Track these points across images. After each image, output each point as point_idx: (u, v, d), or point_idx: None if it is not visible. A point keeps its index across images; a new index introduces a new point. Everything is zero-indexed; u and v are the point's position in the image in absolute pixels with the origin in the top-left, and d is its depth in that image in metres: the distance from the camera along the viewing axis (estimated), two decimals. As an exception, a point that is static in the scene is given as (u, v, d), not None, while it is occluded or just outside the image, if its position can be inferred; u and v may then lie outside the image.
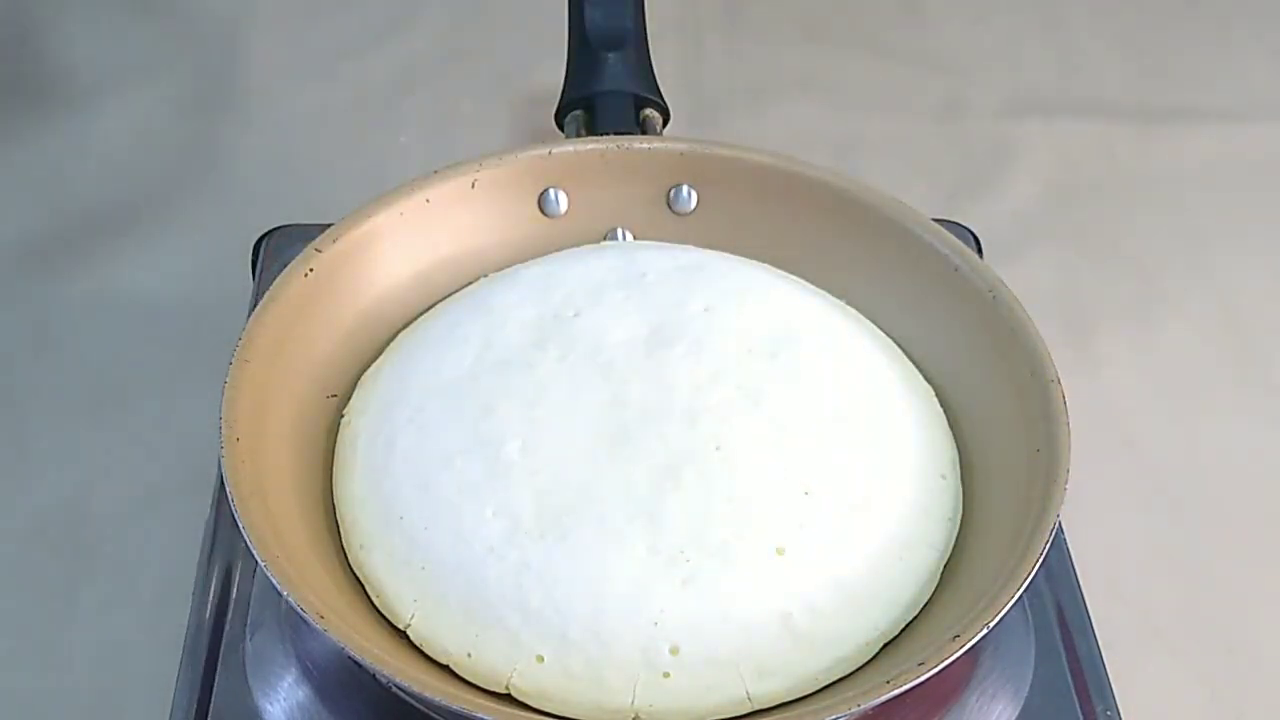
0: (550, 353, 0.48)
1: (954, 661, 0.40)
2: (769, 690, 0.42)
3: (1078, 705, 0.47)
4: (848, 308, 0.52)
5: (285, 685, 0.48)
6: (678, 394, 0.46)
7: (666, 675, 0.42)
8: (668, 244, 0.54)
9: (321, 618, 0.40)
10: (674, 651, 0.42)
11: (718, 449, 0.45)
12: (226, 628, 0.50)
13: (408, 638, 0.44)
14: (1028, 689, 0.47)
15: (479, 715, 0.39)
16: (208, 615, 0.50)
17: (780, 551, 0.43)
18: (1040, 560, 0.42)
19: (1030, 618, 0.49)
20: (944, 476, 0.47)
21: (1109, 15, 0.83)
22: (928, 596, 0.44)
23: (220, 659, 0.49)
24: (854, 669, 0.43)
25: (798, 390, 0.47)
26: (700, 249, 0.53)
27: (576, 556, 0.43)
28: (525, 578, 0.43)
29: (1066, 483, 0.44)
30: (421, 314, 0.53)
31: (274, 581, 0.41)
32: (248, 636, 0.49)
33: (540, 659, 0.42)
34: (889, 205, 0.53)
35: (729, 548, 0.43)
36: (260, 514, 0.43)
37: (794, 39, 0.82)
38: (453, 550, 0.44)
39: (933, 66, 0.80)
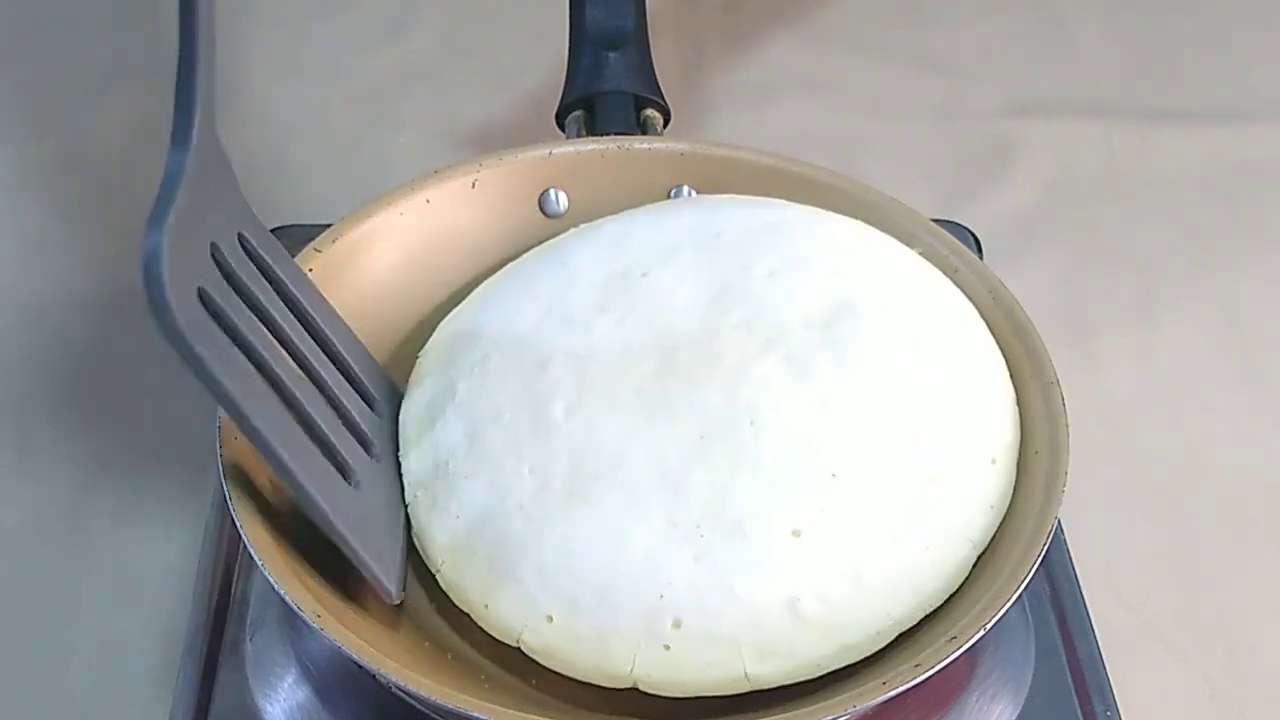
0: (610, 314, 0.48)
1: (950, 663, 0.40)
2: (768, 671, 0.42)
3: (1078, 705, 0.47)
4: (938, 273, 0.50)
5: (285, 685, 0.48)
6: (724, 363, 0.46)
7: (667, 647, 0.42)
8: (753, 199, 0.52)
9: (318, 617, 0.40)
10: (676, 625, 0.42)
11: (752, 423, 0.44)
12: (226, 628, 0.50)
13: (410, 630, 0.45)
14: (1028, 689, 0.47)
15: (474, 714, 0.39)
16: (208, 615, 0.51)
17: (796, 534, 0.43)
18: (1039, 561, 0.42)
19: (1030, 618, 0.49)
20: (994, 461, 0.45)
21: (1109, 15, 0.83)
22: (954, 588, 0.44)
23: (220, 659, 0.49)
24: (862, 657, 0.42)
25: (846, 364, 0.45)
26: (787, 203, 0.52)
27: (596, 522, 0.43)
28: (546, 537, 0.43)
29: (1065, 484, 0.44)
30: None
31: (271, 580, 0.41)
32: (248, 636, 0.49)
33: (550, 619, 0.43)
34: (889, 206, 0.53)
35: (744, 526, 0.43)
36: (256, 512, 0.43)
37: (794, 39, 0.82)
38: (486, 503, 0.44)
39: (933, 66, 0.80)
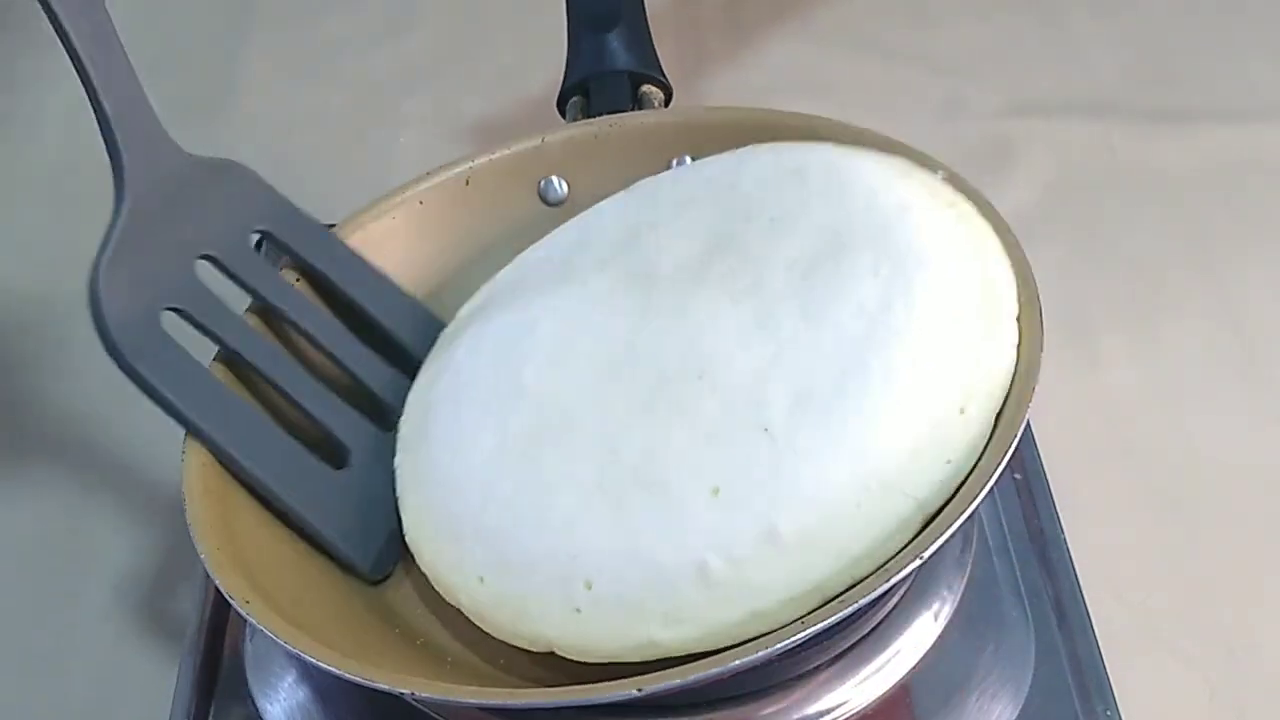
0: (608, 271, 0.47)
1: (834, 624, 0.38)
2: (675, 638, 0.40)
3: (1078, 705, 0.47)
4: (971, 218, 0.46)
5: (285, 685, 0.48)
6: (693, 317, 0.44)
7: (578, 610, 0.41)
8: (792, 145, 0.49)
9: (247, 603, 0.40)
10: (588, 586, 0.41)
11: (700, 377, 0.42)
12: (226, 628, 0.50)
13: (376, 617, 0.46)
14: (1028, 689, 0.47)
15: (382, 686, 0.39)
16: (207, 615, 0.51)
17: (715, 492, 0.40)
18: (987, 489, 0.39)
19: (1030, 618, 0.49)
20: (963, 411, 0.41)
21: (1109, 15, 0.83)
22: (892, 551, 0.39)
23: (220, 659, 0.49)
24: (778, 626, 0.39)
25: (812, 312, 0.43)
26: (823, 145, 0.49)
27: (530, 483, 0.43)
28: (489, 499, 0.43)
29: (1030, 403, 0.41)
30: None
31: (205, 564, 0.41)
32: (248, 637, 0.49)
33: (481, 580, 0.42)
34: (888, 147, 0.51)
35: (666, 485, 0.41)
36: (209, 508, 0.44)
37: (794, 39, 0.82)
38: (448, 465, 0.45)
39: (933, 66, 0.80)
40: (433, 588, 0.47)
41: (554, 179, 0.55)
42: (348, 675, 0.39)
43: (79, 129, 0.76)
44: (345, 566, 0.46)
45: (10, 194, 0.75)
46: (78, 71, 0.44)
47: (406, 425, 0.48)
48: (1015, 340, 0.43)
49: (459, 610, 0.44)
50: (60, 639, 0.55)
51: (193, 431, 0.45)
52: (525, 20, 0.82)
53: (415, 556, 0.45)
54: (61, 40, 0.44)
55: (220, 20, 0.85)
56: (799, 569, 0.39)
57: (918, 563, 0.38)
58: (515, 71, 0.79)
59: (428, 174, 0.54)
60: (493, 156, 0.55)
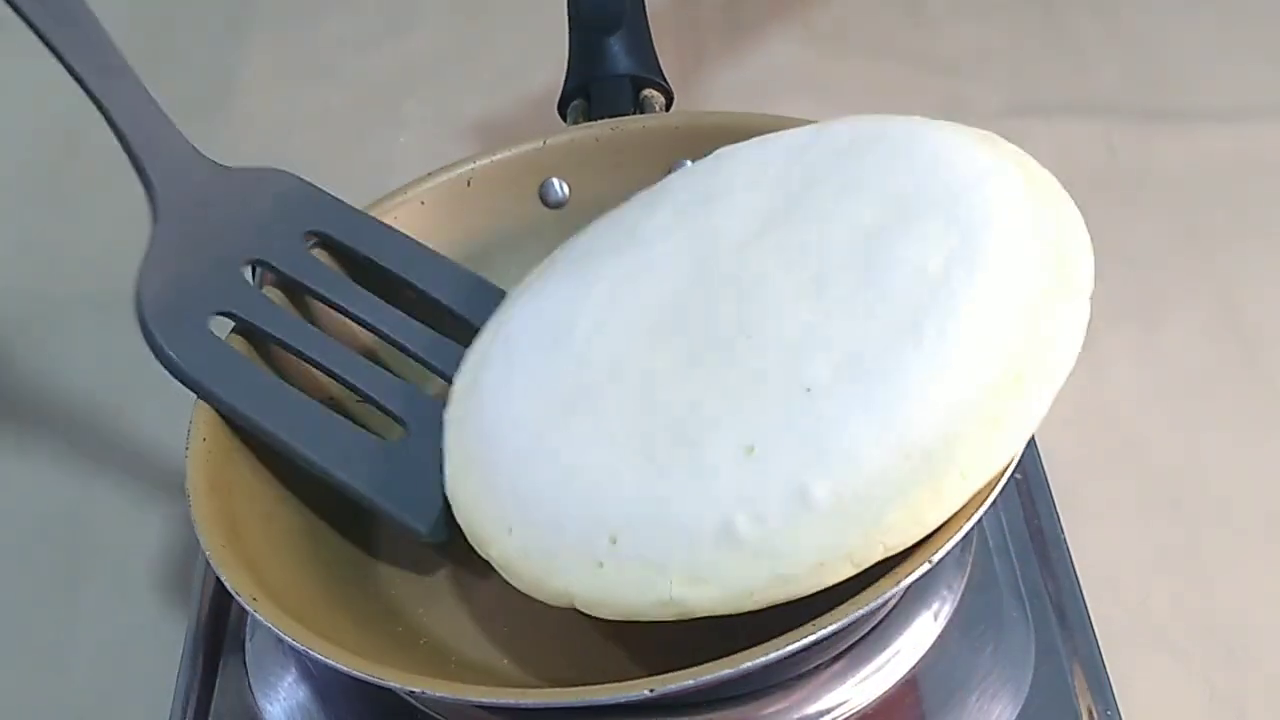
0: (671, 234, 0.47)
1: (884, 602, 0.38)
2: (694, 597, 0.39)
3: (1078, 705, 0.47)
4: (1051, 190, 0.45)
5: (285, 685, 0.48)
6: (748, 279, 0.43)
7: (601, 565, 0.40)
8: (879, 116, 0.48)
9: (254, 599, 0.40)
10: (612, 541, 0.40)
11: (749, 338, 0.42)
12: (227, 628, 0.50)
13: (384, 618, 0.46)
14: (1028, 689, 0.47)
15: (379, 681, 0.39)
16: (207, 615, 0.51)
17: (749, 450, 0.39)
18: (1006, 476, 0.39)
19: (1030, 618, 0.49)
20: (1017, 382, 0.39)
21: (1109, 15, 0.83)
22: (934, 520, 0.38)
23: (220, 659, 0.49)
24: (803, 593, 0.38)
25: (874, 277, 0.41)
26: (915, 118, 0.47)
27: (569, 437, 0.43)
28: (525, 451, 0.43)
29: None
30: None
31: (210, 560, 0.41)
32: (248, 636, 0.49)
33: (510, 531, 0.42)
34: None
35: (700, 442, 0.40)
36: (213, 504, 0.44)
37: (794, 39, 0.82)
38: (493, 419, 0.45)
39: (933, 66, 0.80)
40: (434, 588, 0.47)
41: (555, 181, 0.55)
42: (358, 673, 0.39)
43: (79, 129, 0.76)
44: (403, 531, 0.46)
45: (10, 194, 0.75)
46: (95, 104, 0.47)
47: (461, 380, 0.48)
48: (1085, 317, 0.41)
49: (464, 606, 0.44)
50: (61, 635, 0.55)
51: (252, 426, 0.46)
52: (525, 20, 0.82)
53: (452, 506, 0.45)
54: (72, 75, 0.46)
55: (220, 20, 0.85)
56: (828, 534, 0.38)
57: (927, 566, 0.38)
58: (516, 72, 0.79)
59: (428, 175, 0.54)
60: (494, 158, 0.55)
